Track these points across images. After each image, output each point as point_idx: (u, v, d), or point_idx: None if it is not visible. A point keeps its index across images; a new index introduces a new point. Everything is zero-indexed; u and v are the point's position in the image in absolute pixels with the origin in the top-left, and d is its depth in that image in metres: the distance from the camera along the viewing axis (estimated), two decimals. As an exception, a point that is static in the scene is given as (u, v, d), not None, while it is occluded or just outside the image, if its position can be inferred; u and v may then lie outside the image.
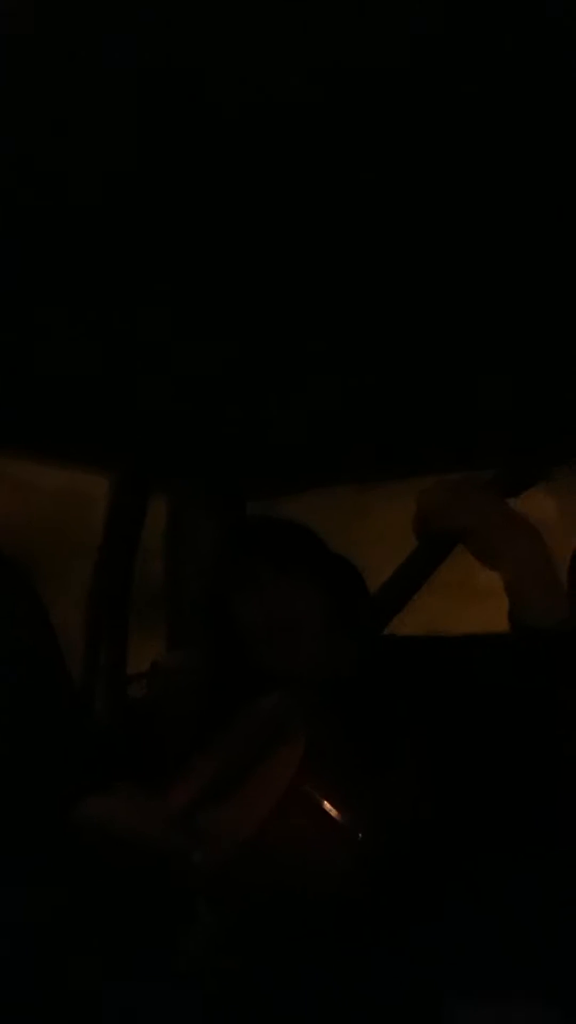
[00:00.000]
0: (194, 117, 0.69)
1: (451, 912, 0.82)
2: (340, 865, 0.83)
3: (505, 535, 0.86)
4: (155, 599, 1.65)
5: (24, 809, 1.02)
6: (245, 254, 0.93)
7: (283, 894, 0.80)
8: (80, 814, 0.97)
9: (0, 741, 1.08)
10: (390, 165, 0.76)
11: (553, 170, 0.78)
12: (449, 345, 1.17)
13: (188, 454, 1.56)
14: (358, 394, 1.34)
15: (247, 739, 0.92)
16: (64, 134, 0.71)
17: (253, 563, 1.09)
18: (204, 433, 1.48)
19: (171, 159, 0.75)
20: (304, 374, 1.27)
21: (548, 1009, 0.71)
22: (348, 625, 1.01)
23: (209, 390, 1.31)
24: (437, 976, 0.77)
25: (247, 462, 1.61)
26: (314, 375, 1.27)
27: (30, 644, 1.16)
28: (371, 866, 0.83)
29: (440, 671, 1.05)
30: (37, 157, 0.75)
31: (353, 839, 0.84)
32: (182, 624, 1.62)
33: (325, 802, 0.85)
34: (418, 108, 0.68)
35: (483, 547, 0.87)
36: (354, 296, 1.04)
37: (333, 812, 0.85)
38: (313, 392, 1.33)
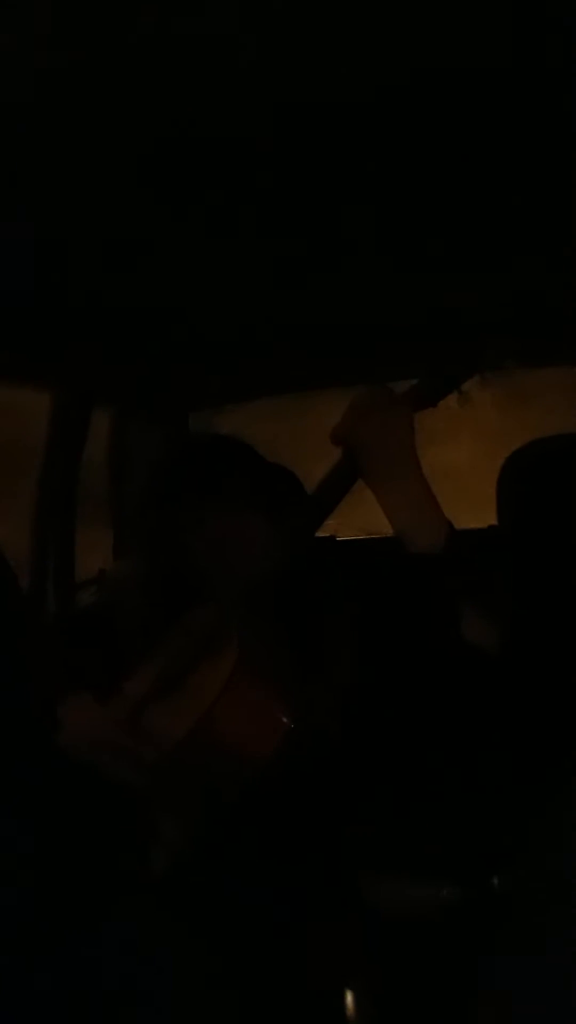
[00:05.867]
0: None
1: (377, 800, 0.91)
2: (270, 750, 0.90)
3: (383, 461, 0.91)
4: (101, 510, 1.67)
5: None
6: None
7: (221, 784, 0.87)
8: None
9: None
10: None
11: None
12: (401, 250, 1.17)
13: (130, 364, 1.54)
14: (301, 302, 1.33)
15: (186, 645, 0.98)
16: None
17: (194, 494, 1.10)
18: (146, 343, 1.46)
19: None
20: (245, 280, 1.25)
21: (452, 886, 0.81)
22: (285, 538, 1.05)
23: (148, 297, 1.29)
24: (358, 858, 0.86)
25: (189, 372, 1.60)
26: (255, 280, 1.25)
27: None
28: (301, 753, 0.90)
29: (369, 573, 1.10)
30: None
31: (283, 727, 0.91)
32: (127, 534, 1.65)
33: (257, 696, 0.91)
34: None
35: (363, 467, 0.92)
36: (307, 197, 1.02)
37: (264, 705, 0.91)
38: (254, 299, 1.32)
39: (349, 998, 0.75)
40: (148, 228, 1.05)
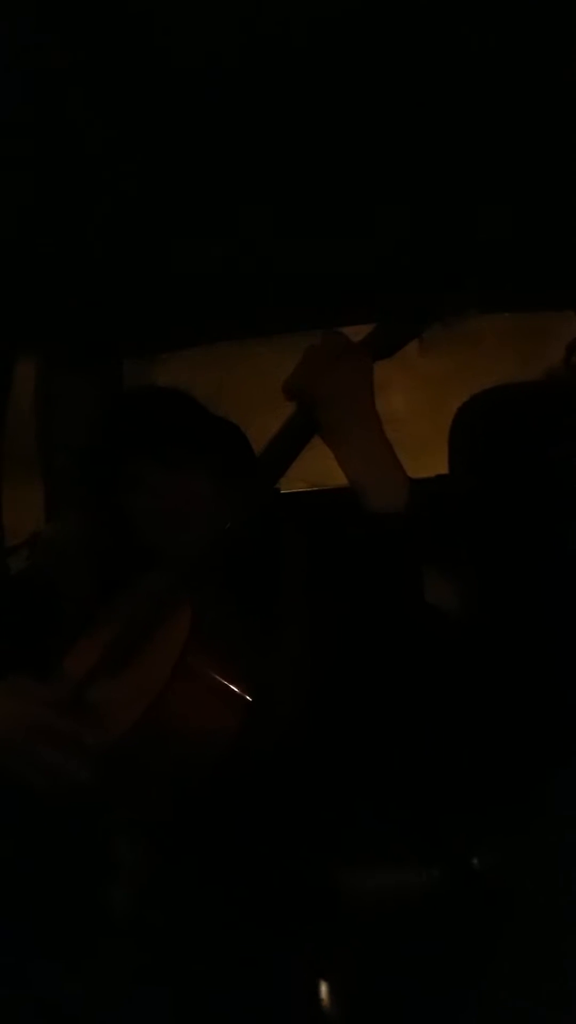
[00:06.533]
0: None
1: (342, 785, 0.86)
2: (231, 730, 0.84)
3: (342, 414, 0.86)
4: (29, 467, 1.56)
5: None
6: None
7: (177, 768, 0.80)
8: None
9: None
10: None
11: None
12: (346, 192, 1.09)
13: (56, 311, 1.43)
14: (245, 242, 1.25)
15: (133, 616, 0.90)
16: None
17: (132, 452, 1.03)
18: (74, 287, 1.35)
19: None
20: (181, 221, 1.16)
21: (431, 870, 0.77)
22: (235, 498, 0.98)
23: (76, 239, 1.18)
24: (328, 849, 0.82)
25: (122, 318, 1.50)
26: (194, 221, 1.16)
27: None
28: (262, 730, 0.85)
29: (322, 531, 1.04)
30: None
31: (242, 703, 0.85)
32: (60, 495, 1.55)
33: (214, 671, 0.85)
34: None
35: (322, 422, 0.87)
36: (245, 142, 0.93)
37: (222, 680, 0.85)
38: (194, 243, 1.22)
39: (324, 991, 0.71)
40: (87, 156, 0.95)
